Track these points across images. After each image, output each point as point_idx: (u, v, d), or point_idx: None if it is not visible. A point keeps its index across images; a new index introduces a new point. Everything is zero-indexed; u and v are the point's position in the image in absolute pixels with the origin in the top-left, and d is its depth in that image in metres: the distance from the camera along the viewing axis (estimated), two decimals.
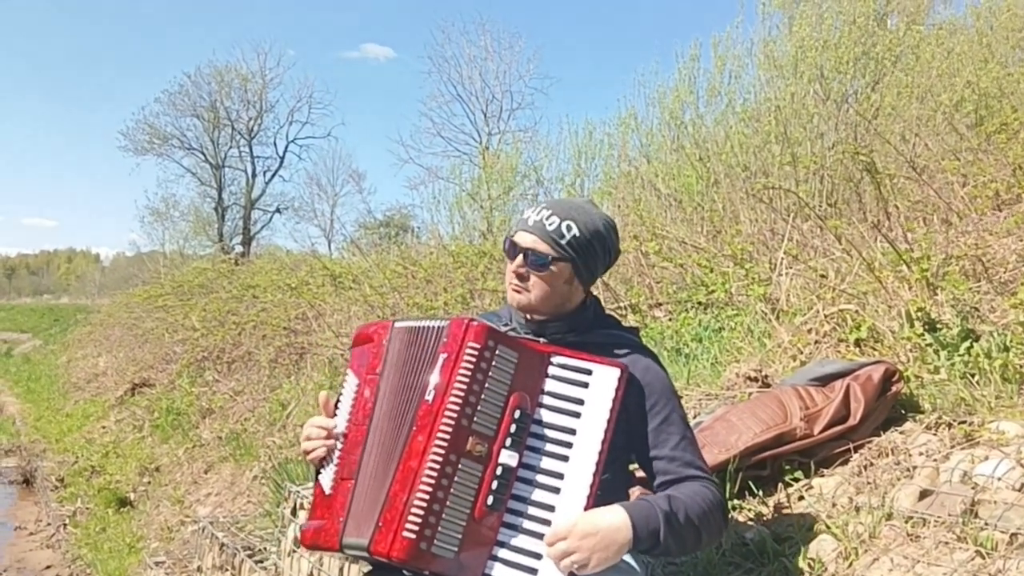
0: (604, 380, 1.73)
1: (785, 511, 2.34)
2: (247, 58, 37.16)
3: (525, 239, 1.85)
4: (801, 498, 2.37)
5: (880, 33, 7.25)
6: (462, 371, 1.65)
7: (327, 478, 1.79)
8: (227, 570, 4.24)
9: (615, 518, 1.61)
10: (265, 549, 4.18)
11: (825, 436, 2.41)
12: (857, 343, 3.07)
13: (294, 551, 3.75)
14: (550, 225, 1.83)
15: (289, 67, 49.67)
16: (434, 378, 1.68)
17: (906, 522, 2.05)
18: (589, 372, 1.74)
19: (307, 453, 1.85)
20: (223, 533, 4.49)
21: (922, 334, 2.84)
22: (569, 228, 1.83)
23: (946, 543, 1.93)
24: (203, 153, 35.03)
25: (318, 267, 9.67)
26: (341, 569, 3.25)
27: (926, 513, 2.03)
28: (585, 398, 1.72)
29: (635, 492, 1.99)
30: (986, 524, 1.91)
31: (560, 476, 1.67)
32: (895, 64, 7.07)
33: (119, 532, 6.83)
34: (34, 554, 7.01)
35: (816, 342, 3.25)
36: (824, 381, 2.56)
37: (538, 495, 1.66)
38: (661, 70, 10.22)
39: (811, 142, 5.96)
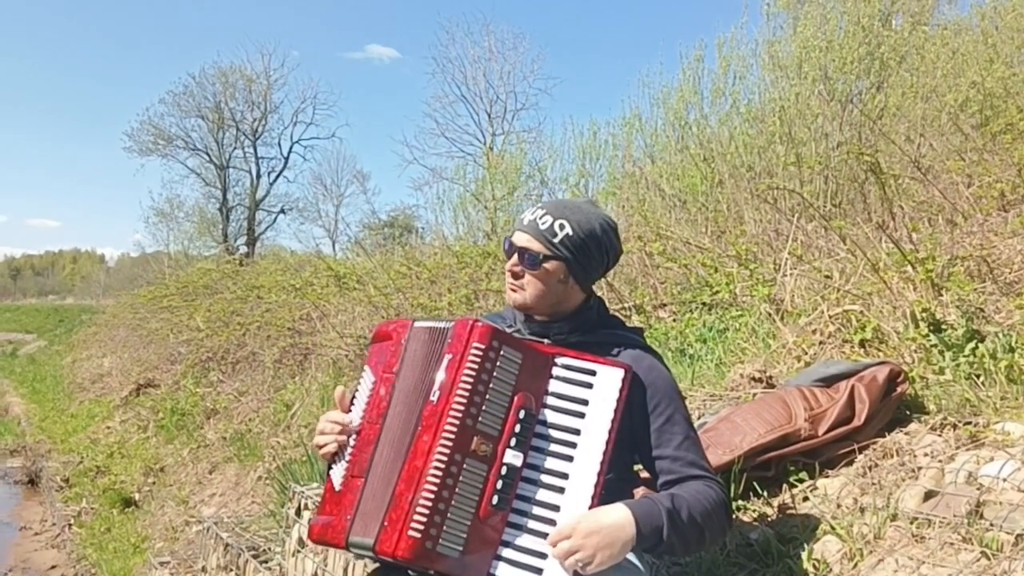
0: (608, 380, 1.74)
1: (790, 512, 2.33)
2: (251, 59, 37.29)
3: (520, 239, 1.89)
4: (806, 499, 2.37)
5: (885, 33, 7.23)
6: (467, 371, 1.66)
7: (338, 474, 1.79)
8: (231, 570, 4.25)
9: (619, 516, 1.62)
10: (269, 549, 4.18)
11: (830, 437, 2.41)
12: (862, 344, 3.06)
13: (298, 551, 3.75)
14: (543, 224, 1.86)
15: (293, 68, 50.07)
16: (439, 378, 1.69)
17: (911, 523, 2.04)
18: (593, 373, 1.75)
19: (320, 447, 1.86)
20: (227, 533, 4.49)
21: (927, 335, 2.84)
22: (562, 227, 1.85)
23: (951, 544, 1.92)
24: (207, 154, 35.11)
25: (322, 268, 9.68)
26: (345, 569, 3.25)
27: (931, 514, 2.03)
28: (589, 398, 1.73)
29: (639, 492, 1.99)
30: (991, 525, 1.90)
31: (565, 476, 1.68)
32: (900, 64, 7.05)
33: (124, 532, 6.85)
34: (39, 554, 7.03)
35: (821, 343, 3.25)
36: (829, 382, 2.55)
37: (543, 495, 1.67)
38: (665, 71, 10.22)
39: (815, 142, 5.95)
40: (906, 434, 2.45)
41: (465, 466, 1.63)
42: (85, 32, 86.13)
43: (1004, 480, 2.03)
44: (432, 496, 1.59)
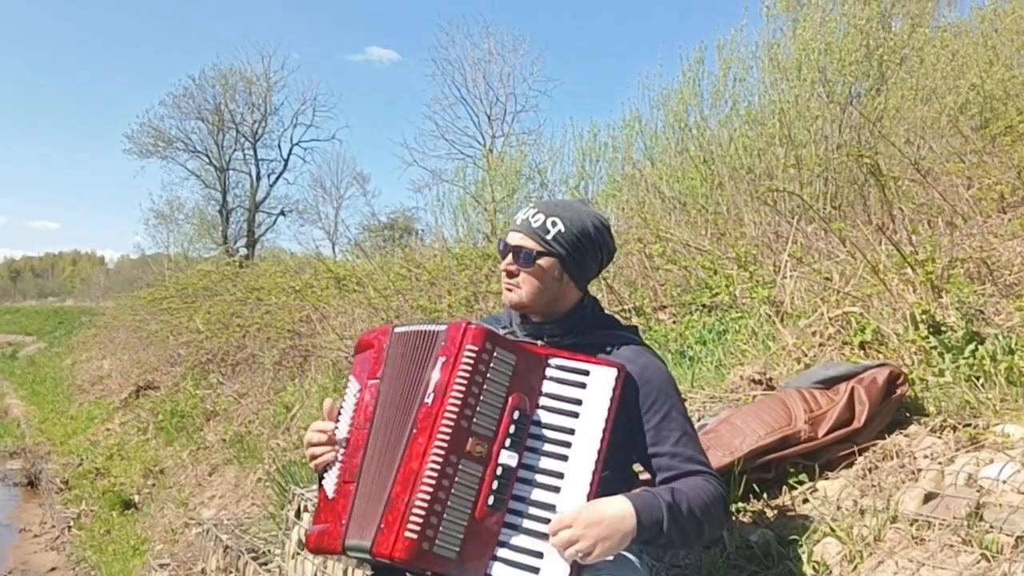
0: (601, 380, 1.75)
1: (789, 514, 2.33)
2: (251, 61, 37.02)
3: (513, 238, 1.92)
4: (805, 501, 2.36)
5: (884, 36, 7.23)
6: (461, 373, 1.67)
7: (330, 483, 1.80)
8: (231, 572, 4.25)
9: (620, 507, 1.64)
10: (269, 551, 4.18)
11: (829, 439, 2.41)
12: (862, 346, 3.06)
13: (298, 553, 3.75)
14: (535, 222, 1.89)
15: (293, 70, 49.94)
16: (434, 381, 1.70)
17: (911, 525, 2.04)
18: (586, 373, 1.77)
19: (312, 458, 1.86)
20: (227, 535, 4.50)
21: (927, 337, 2.84)
22: (554, 224, 1.88)
23: (951, 546, 1.92)
24: (207, 156, 35.08)
25: (322, 270, 9.68)
26: (345, 572, 3.25)
27: (931, 516, 2.03)
28: (583, 398, 1.74)
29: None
30: (991, 527, 1.90)
31: (560, 475, 1.69)
32: (899, 66, 7.05)
33: (123, 534, 6.85)
34: (39, 556, 7.03)
35: (820, 345, 3.25)
36: (828, 384, 2.55)
37: (538, 495, 1.68)
38: (665, 73, 10.22)
39: (815, 145, 5.95)
40: (906, 436, 2.45)
41: (460, 467, 1.63)
42: (85, 34, 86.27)
43: (1004, 482, 2.03)
44: (428, 497, 1.59)
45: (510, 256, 1.91)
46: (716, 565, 2.22)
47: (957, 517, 1.97)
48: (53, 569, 6.69)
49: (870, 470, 2.35)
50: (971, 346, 2.70)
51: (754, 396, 2.94)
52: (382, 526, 1.61)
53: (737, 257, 4.42)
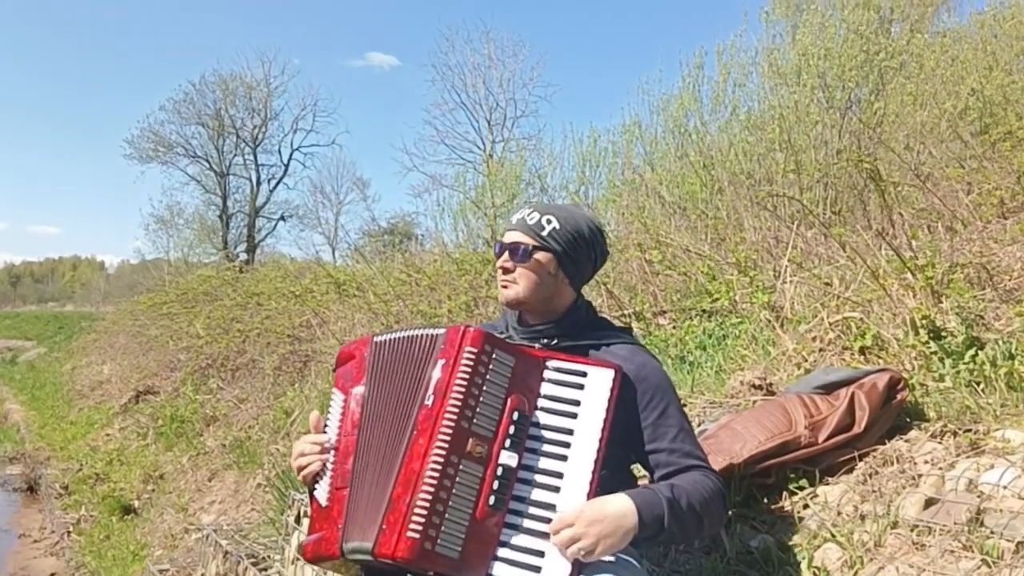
0: (599, 381, 1.77)
1: (790, 519, 2.33)
2: (252, 66, 37.06)
3: (509, 236, 1.96)
4: (806, 506, 2.36)
5: (883, 41, 7.25)
6: (460, 374, 1.69)
7: (323, 491, 1.82)
8: None
9: (621, 505, 1.65)
10: (269, 557, 4.17)
11: (830, 444, 2.40)
12: (862, 351, 3.06)
13: (298, 559, 3.74)
14: (531, 220, 1.94)
15: (293, 75, 49.89)
16: (433, 383, 1.72)
17: (911, 531, 2.04)
18: (584, 374, 1.79)
19: (300, 470, 1.88)
20: (227, 541, 4.49)
21: (927, 342, 2.84)
22: (549, 221, 1.92)
23: (952, 552, 1.92)
24: (208, 161, 35.08)
25: (322, 275, 9.68)
26: None
27: (931, 522, 2.03)
28: (581, 399, 1.76)
29: None
30: (992, 532, 1.90)
31: (560, 475, 1.70)
32: (899, 72, 7.06)
33: (123, 540, 6.84)
34: (38, 562, 7.02)
35: (820, 350, 3.25)
36: (829, 389, 2.55)
37: (538, 494, 1.69)
38: (665, 78, 10.21)
39: (815, 150, 5.96)
40: (906, 441, 2.45)
41: (461, 467, 1.64)
42: (85, 39, 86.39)
43: (1004, 487, 2.02)
44: (430, 497, 1.60)
45: (506, 253, 1.94)
46: (717, 571, 2.22)
47: (958, 523, 1.97)
48: (52, 575, 6.68)
49: (870, 475, 2.35)
50: (971, 351, 2.70)
51: (754, 401, 2.94)
52: (384, 527, 1.62)
53: (737, 262, 4.42)
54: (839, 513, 2.27)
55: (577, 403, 1.76)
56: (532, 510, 1.67)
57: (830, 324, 3.29)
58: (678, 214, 6.41)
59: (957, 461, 2.24)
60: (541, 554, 1.63)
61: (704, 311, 4.39)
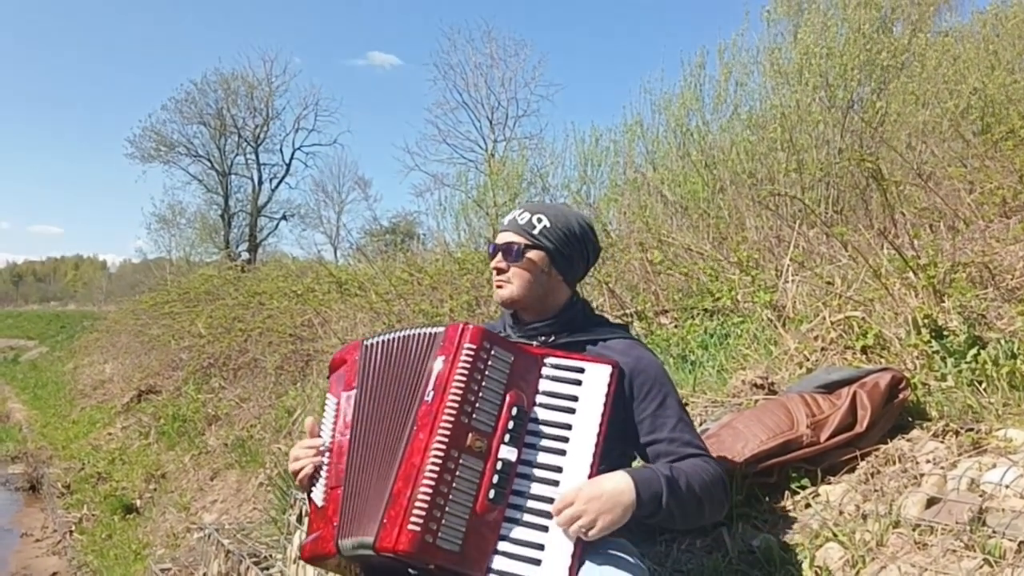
0: (596, 377, 1.79)
1: (791, 518, 2.33)
2: (253, 66, 37.31)
3: (501, 237, 2.00)
4: (808, 506, 2.36)
5: (885, 40, 7.24)
6: (460, 370, 1.72)
7: (318, 492, 1.84)
8: None
9: (619, 481, 1.68)
10: (271, 556, 4.18)
11: (832, 443, 2.40)
12: (864, 350, 3.06)
13: (300, 558, 3.74)
14: (522, 220, 1.98)
15: (295, 75, 50.10)
16: (433, 379, 1.75)
17: (913, 530, 2.04)
18: (582, 370, 1.81)
19: (296, 474, 1.90)
20: (229, 540, 4.49)
21: (929, 341, 2.83)
22: (540, 220, 1.96)
23: (954, 551, 1.92)
24: (209, 160, 35.12)
25: (324, 274, 9.67)
26: None
27: (933, 521, 2.03)
28: (579, 395, 1.78)
29: None
30: (994, 532, 1.90)
31: (559, 469, 1.72)
32: (901, 71, 7.05)
33: (125, 539, 6.84)
34: (40, 561, 7.02)
35: (822, 349, 3.24)
36: (831, 388, 2.55)
37: (537, 488, 1.71)
38: (667, 77, 10.25)
39: (817, 149, 5.95)
40: (908, 440, 2.45)
41: (461, 461, 1.66)
42: (86, 39, 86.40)
43: (1007, 487, 2.02)
44: (430, 491, 1.62)
45: (499, 254, 1.98)
46: (718, 570, 2.22)
47: (960, 522, 1.97)
48: (55, 574, 6.67)
49: (872, 475, 2.34)
50: (973, 350, 2.70)
51: (756, 400, 2.94)
52: (385, 521, 1.63)
53: (739, 261, 4.42)
54: (841, 512, 2.27)
55: (575, 399, 1.78)
56: (532, 504, 1.69)
57: (832, 323, 3.29)
58: (680, 213, 6.41)
59: (959, 460, 2.24)
60: (541, 547, 1.64)
61: (706, 310, 4.39)
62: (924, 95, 6.40)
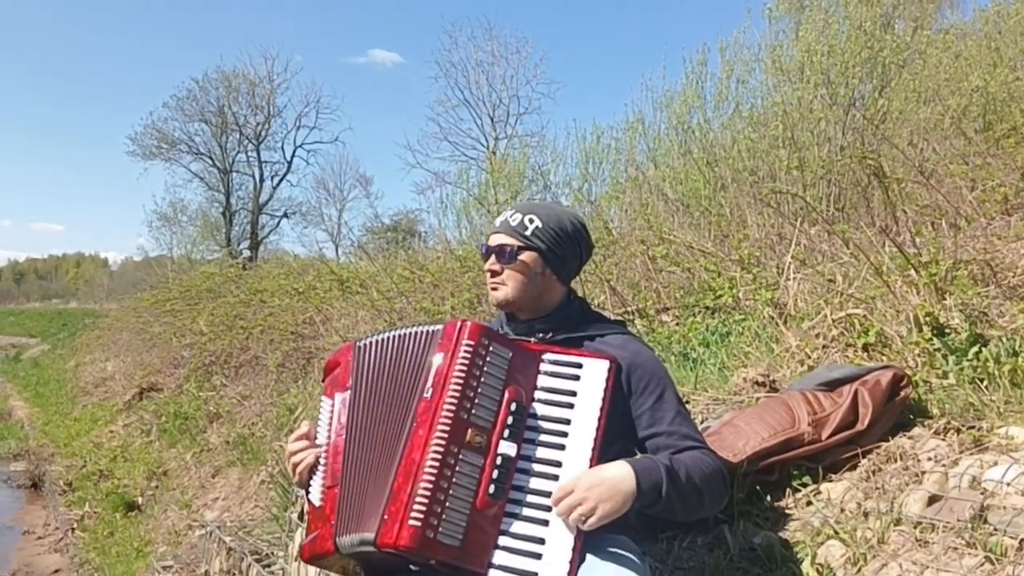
0: (594, 372, 1.79)
1: (793, 516, 2.33)
2: (255, 63, 37.39)
3: (494, 239, 2.00)
4: (809, 503, 2.36)
5: (887, 38, 7.23)
6: (459, 366, 1.72)
7: (316, 492, 1.84)
8: (234, 574, 4.25)
9: (619, 470, 1.68)
10: (272, 554, 4.18)
11: (833, 441, 2.40)
12: (865, 348, 3.06)
13: (299, 558, 3.74)
14: (513, 221, 1.98)
15: (297, 72, 49.90)
16: (432, 376, 1.75)
17: (915, 528, 2.04)
18: (580, 366, 1.81)
19: (295, 468, 1.89)
20: (230, 537, 4.50)
21: (931, 339, 2.83)
22: (532, 220, 1.96)
23: (955, 549, 1.92)
24: (211, 158, 35.13)
25: (325, 272, 9.68)
26: None
27: (935, 519, 2.03)
28: (577, 390, 1.79)
29: None
30: (995, 530, 1.90)
31: (558, 464, 1.72)
32: (902, 68, 7.05)
33: (127, 536, 6.85)
34: (42, 558, 7.04)
35: (824, 347, 3.24)
36: (832, 386, 2.55)
37: (537, 483, 1.71)
38: (668, 75, 10.24)
39: (818, 146, 5.95)
40: (910, 438, 2.45)
41: (461, 457, 1.67)
42: (88, 36, 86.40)
43: (1008, 484, 2.02)
44: (431, 486, 1.62)
45: (493, 256, 1.98)
46: (719, 567, 2.22)
47: (961, 520, 1.97)
48: (57, 571, 6.69)
49: (874, 472, 2.35)
50: (975, 348, 2.69)
51: (757, 398, 2.94)
52: (385, 517, 1.63)
53: (740, 259, 4.42)
54: (842, 510, 2.27)
55: (573, 394, 1.78)
56: (531, 498, 1.69)
57: (833, 321, 3.29)
58: (681, 211, 6.41)
59: (960, 458, 2.24)
60: (542, 541, 1.64)
61: (707, 308, 4.39)
62: (926, 92, 6.40)
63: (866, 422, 2.42)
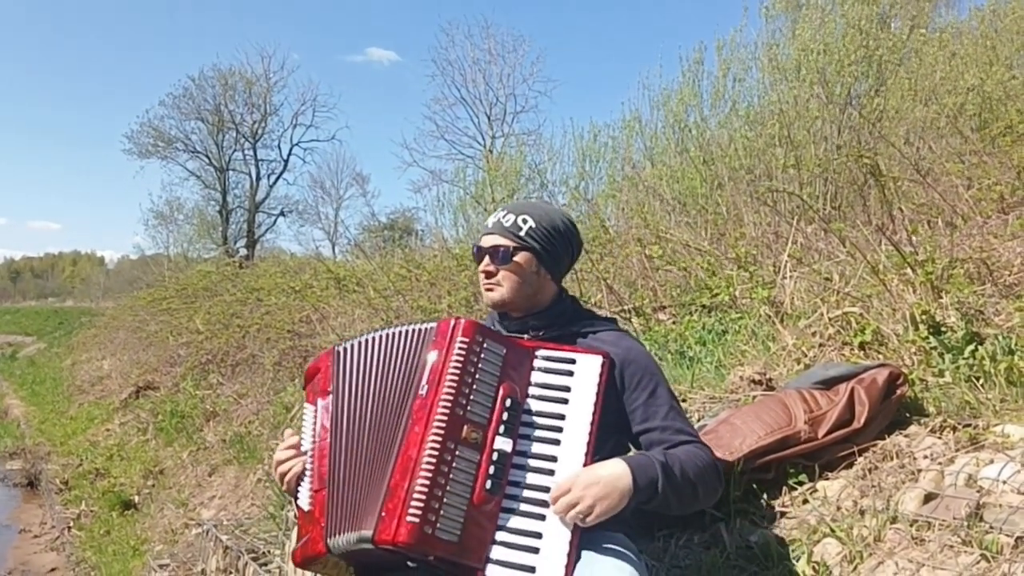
0: (588, 368, 1.81)
1: (789, 514, 2.34)
2: (251, 61, 37.29)
3: (487, 240, 2.00)
4: (805, 501, 2.37)
5: (883, 36, 7.23)
6: (454, 363, 1.73)
7: (304, 497, 1.85)
8: (231, 573, 4.24)
9: (615, 467, 1.69)
10: (269, 552, 4.18)
11: (829, 439, 2.41)
12: (861, 346, 3.06)
13: (292, 562, 3.74)
14: (507, 222, 1.98)
15: (293, 70, 50.02)
16: (427, 373, 1.76)
17: (911, 525, 2.04)
18: (573, 362, 1.83)
19: (283, 478, 1.90)
20: (227, 536, 4.49)
21: (927, 337, 2.84)
22: (525, 221, 1.97)
23: (951, 546, 1.93)
24: (207, 156, 35.07)
25: (322, 270, 9.67)
26: None
27: (931, 516, 2.03)
28: (571, 385, 1.80)
29: None
30: (991, 527, 1.91)
31: (553, 459, 1.73)
32: (898, 67, 7.05)
33: (123, 535, 6.84)
34: (38, 557, 7.02)
35: (820, 345, 3.25)
36: (828, 384, 2.55)
37: (533, 478, 1.72)
38: (665, 73, 10.21)
39: (815, 145, 5.96)
40: (906, 436, 2.45)
41: (457, 453, 1.67)
42: (85, 34, 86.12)
43: (1004, 482, 2.03)
44: (428, 482, 1.62)
45: (487, 258, 1.99)
46: (716, 565, 2.22)
47: (957, 518, 1.97)
48: (53, 570, 6.68)
49: (870, 470, 2.35)
50: (971, 346, 2.70)
51: (754, 397, 2.94)
52: (383, 514, 1.64)
53: (737, 258, 4.42)
54: (838, 508, 2.27)
55: (567, 389, 1.79)
56: (528, 493, 1.70)
57: (830, 319, 3.29)
58: (678, 209, 6.41)
59: (956, 456, 2.24)
60: (539, 536, 1.65)
61: (704, 306, 4.39)
62: (922, 91, 6.40)
63: (862, 420, 2.42)
